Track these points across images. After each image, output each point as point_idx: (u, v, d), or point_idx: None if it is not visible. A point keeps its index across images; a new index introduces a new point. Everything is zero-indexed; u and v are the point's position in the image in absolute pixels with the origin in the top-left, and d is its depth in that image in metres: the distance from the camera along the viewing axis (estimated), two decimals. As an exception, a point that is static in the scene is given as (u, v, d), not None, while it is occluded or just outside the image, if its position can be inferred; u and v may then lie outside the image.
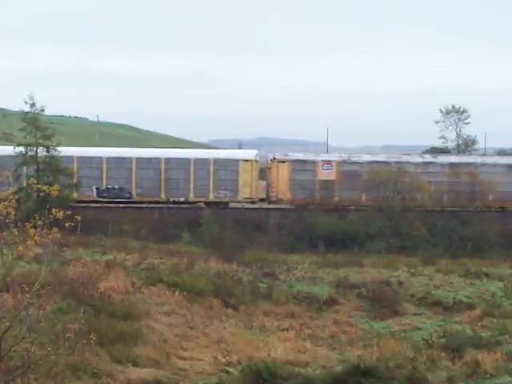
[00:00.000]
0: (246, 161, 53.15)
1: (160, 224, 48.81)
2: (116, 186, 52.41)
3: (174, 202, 52.22)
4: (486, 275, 40.92)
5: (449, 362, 26.54)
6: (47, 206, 16.95)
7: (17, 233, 16.62)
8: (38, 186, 18.65)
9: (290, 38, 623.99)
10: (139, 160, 52.73)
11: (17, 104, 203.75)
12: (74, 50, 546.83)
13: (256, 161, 53.74)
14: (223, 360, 25.61)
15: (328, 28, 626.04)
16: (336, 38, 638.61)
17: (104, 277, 31.89)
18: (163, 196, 52.40)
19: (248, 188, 52.64)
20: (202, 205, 52.56)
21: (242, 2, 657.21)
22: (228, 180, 52.73)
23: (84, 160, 52.14)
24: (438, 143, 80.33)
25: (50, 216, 16.69)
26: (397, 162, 53.89)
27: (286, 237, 48.55)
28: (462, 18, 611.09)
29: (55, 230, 16.63)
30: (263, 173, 56.32)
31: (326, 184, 53.18)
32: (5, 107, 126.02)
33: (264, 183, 55.41)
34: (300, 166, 53.60)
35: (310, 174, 53.59)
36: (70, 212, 17.04)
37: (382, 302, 35.15)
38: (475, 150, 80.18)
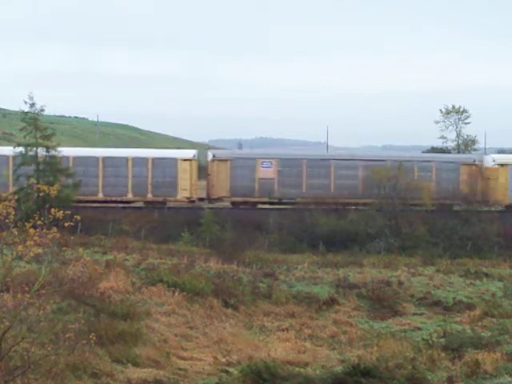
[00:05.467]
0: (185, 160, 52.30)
1: (160, 224, 48.78)
2: None
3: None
4: (486, 275, 40.95)
5: (449, 362, 26.55)
6: (47, 206, 16.95)
7: (17, 233, 16.61)
8: (38, 185, 18.63)
9: (290, 37, 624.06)
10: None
11: (17, 104, 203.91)
12: (74, 50, 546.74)
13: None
14: (223, 360, 25.61)
15: (328, 28, 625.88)
16: (336, 37, 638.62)
17: (104, 277, 31.88)
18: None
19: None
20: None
21: (242, 2, 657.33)
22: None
23: None
24: (438, 143, 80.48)
25: (50, 216, 16.69)
26: None
27: (285, 237, 48.52)
28: (462, 18, 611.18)
29: (55, 229, 16.63)
30: None
31: None
32: (5, 107, 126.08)
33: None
34: None
35: None
36: (69, 212, 17.05)
37: (382, 302, 35.17)
38: (475, 149, 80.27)
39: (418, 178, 52.66)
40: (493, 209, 52.96)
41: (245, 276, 37.67)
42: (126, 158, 51.78)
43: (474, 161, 54.50)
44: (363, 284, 37.50)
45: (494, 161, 53.97)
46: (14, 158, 48.56)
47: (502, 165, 53.32)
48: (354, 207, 51.58)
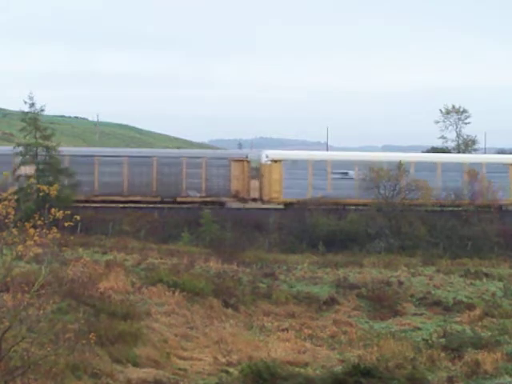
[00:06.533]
0: None
1: (160, 224, 48.75)
2: None
3: None
4: (486, 275, 40.93)
5: (449, 362, 26.56)
6: (47, 206, 16.94)
7: (17, 233, 16.60)
8: (38, 185, 18.66)
9: (290, 37, 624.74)
10: None
11: (17, 104, 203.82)
12: (74, 49, 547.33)
13: None
14: (223, 360, 25.61)
15: (328, 28, 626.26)
16: (336, 37, 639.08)
17: (104, 277, 31.89)
18: None
19: None
20: None
21: (242, 2, 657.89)
22: None
23: None
24: (438, 143, 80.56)
25: (50, 216, 16.68)
26: None
27: (285, 237, 48.48)
28: (462, 18, 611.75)
29: (55, 229, 16.62)
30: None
31: None
32: (5, 107, 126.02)
33: None
34: None
35: None
36: (69, 212, 17.04)
37: (382, 302, 35.17)
38: (475, 149, 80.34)
39: (186, 174, 51.79)
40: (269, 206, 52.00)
41: (245, 276, 37.65)
42: None
43: (247, 157, 53.47)
44: (363, 284, 37.48)
45: (267, 157, 52.86)
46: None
47: (275, 161, 52.37)
48: (120, 205, 50.41)
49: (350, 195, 51.62)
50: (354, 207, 51.41)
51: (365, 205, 51.23)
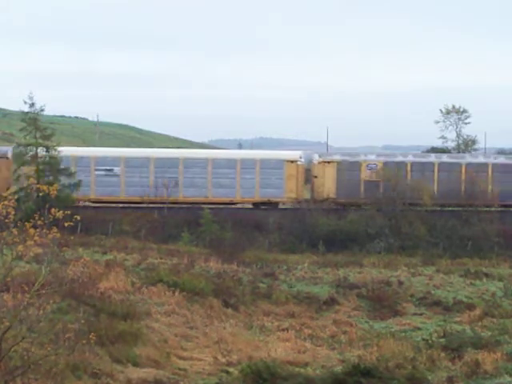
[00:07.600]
0: None
1: (160, 224, 48.79)
2: None
3: None
4: (486, 275, 40.95)
5: (449, 362, 26.54)
6: (47, 206, 16.94)
7: (17, 233, 16.60)
8: (38, 185, 18.65)
9: (289, 37, 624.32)
10: None
11: (17, 104, 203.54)
12: (74, 50, 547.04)
13: None
14: (223, 360, 25.60)
15: (328, 28, 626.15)
16: (336, 38, 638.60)
17: (104, 277, 31.89)
18: None
19: None
20: None
21: (242, 2, 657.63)
22: None
23: None
24: (438, 143, 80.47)
25: (50, 216, 16.68)
26: None
27: (285, 237, 48.53)
28: (462, 18, 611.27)
29: (55, 229, 16.61)
30: None
31: None
32: (5, 107, 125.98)
33: None
34: None
35: None
36: (69, 212, 17.03)
37: (382, 302, 35.17)
38: (475, 149, 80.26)
39: None
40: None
41: (245, 276, 37.67)
42: None
43: (6, 152, 51.90)
44: (363, 284, 37.50)
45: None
46: None
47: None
48: None
49: (115, 192, 51.49)
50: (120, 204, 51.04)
51: (131, 202, 51.31)
